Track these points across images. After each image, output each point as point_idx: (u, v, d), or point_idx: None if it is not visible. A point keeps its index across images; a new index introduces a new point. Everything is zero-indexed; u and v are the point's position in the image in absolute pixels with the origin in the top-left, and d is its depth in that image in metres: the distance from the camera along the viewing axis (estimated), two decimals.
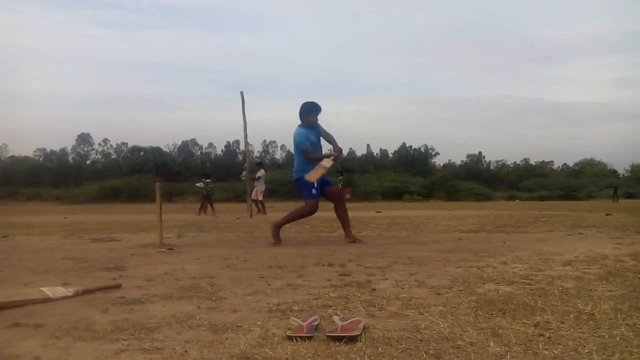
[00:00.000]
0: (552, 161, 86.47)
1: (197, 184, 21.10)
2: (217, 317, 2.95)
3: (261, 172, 20.29)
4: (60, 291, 3.62)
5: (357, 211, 20.52)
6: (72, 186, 56.23)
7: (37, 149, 72.70)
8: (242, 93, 17.20)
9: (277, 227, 7.55)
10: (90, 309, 3.21)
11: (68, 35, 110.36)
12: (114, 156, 73.58)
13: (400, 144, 79.55)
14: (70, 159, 73.04)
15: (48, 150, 72.32)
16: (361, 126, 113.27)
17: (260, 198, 19.75)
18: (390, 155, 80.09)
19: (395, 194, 49.75)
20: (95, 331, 2.67)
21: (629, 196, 52.07)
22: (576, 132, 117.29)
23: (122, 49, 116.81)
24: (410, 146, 78.76)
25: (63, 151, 72.92)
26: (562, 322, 2.72)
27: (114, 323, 2.82)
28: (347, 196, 44.57)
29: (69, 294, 3.59)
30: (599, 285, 3.81)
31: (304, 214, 7.62)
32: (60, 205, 37.70)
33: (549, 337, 2.46)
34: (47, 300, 3.45)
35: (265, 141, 77.42)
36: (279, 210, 21.87)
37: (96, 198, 44.40)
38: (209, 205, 19.91)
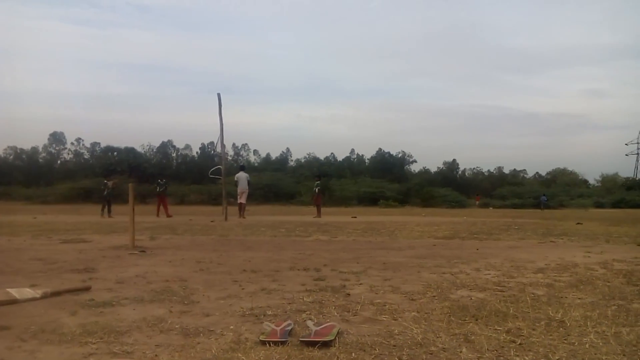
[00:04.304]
0: (525, 170, 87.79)
1: (105, 181, 20.46)
2: (189, 321, 2.91)
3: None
4: (27, 293, 3.54)
5: (332, 216, 20.55)
6: (42, 186, 55.13)
7: (8, 147, 71.15)
8: (219, 95, 17.09)
9: None
10: (59, 312, 3.14)
11: (41, 32, 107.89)
12: (86, 156, 72.43)
13: (377, 149, 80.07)
14: (40, 157, 71.66)
15: (18, 148, 70.96)
16: (339, 131, 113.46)
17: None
18: (367, 160, 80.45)
19: (371, 200, 49.94)
20: (63, 334, 2.61)
21: (599, 206, 53.19)
22: (549, 141, 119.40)
23: (96, 47, 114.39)
24: (388, 152, 79.24)
25: (34, 150, 71.57)
26: (534, 329, 2.75)
27: (82, 326, 2.76)
28: (477, 202, 48.32)
29: (37, 296, 3.52)
30: (569, 293, 3.87)
31: None
32: (30, 205, 36.91)
33: (520, 344, 2.49)
34: (13, 301, 3.37)
35: (234, 144, 76.04)
36: (254, 213, 21.76)
37: (67, 198, 43.57)
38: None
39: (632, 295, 3.79)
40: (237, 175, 19.55)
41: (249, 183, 19.06)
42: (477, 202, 51.28)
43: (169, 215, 19.26)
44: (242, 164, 22.37)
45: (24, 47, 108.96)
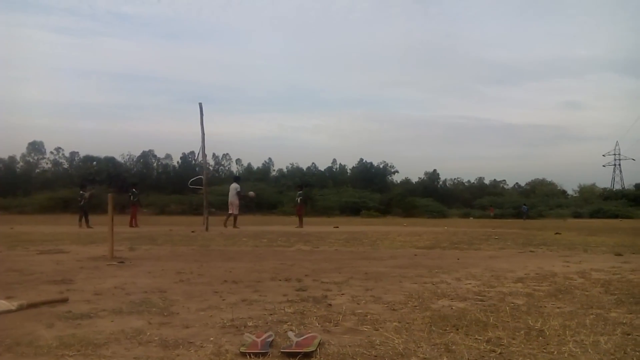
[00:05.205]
0: (505, 180, 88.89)
1: (82, 192, 20.20)
2: (168, 333, 2.88)
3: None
4: (2, 304, 3.47)
5: (315, 226, 20.52)
6: (20, 195, 54.15)
7: None
8: (200, 105, 17.03)
9: None
10: (35, 324, 3.08)
11: (20, 39, 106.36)
12: (65, 165, 71.35)
13: (359, 159, 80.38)
14: (17, 167, 70.47)
15: None
16: (320, 141, 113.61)
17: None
18: (349, 171, 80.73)
19: (353, 210, 50.08)
20: (39, 347, 2.56)
21: (577, 216, 53.93)
22: (528, 152, 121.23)
23: (76, 56, 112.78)
24: (370, 162, 79.58)
25: (12, 159, 70.41)
26: (513, 338, 2.77)
27: (59, 338, 2.71)
28: (491, 214, 49.34)
29: (13, 308, 3.44)
30: (548, 302, 3.91)
31: None
32: (7, 215, 36.20)
33: (500, 353, 2.50)
34: None
35: (214, 154, 75.12)
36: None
37: (45, 208, 42.82)
38: (88, 217, 18.81)
39: (610, 304, 3.84)
40: (230, 186, 19.73)
41: (238, 194, 18.97)
42: (492, 214, 52.75)
43: (134, 226, 19.10)
44: (236, 174, 22.33)
45: (1, 55, 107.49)
